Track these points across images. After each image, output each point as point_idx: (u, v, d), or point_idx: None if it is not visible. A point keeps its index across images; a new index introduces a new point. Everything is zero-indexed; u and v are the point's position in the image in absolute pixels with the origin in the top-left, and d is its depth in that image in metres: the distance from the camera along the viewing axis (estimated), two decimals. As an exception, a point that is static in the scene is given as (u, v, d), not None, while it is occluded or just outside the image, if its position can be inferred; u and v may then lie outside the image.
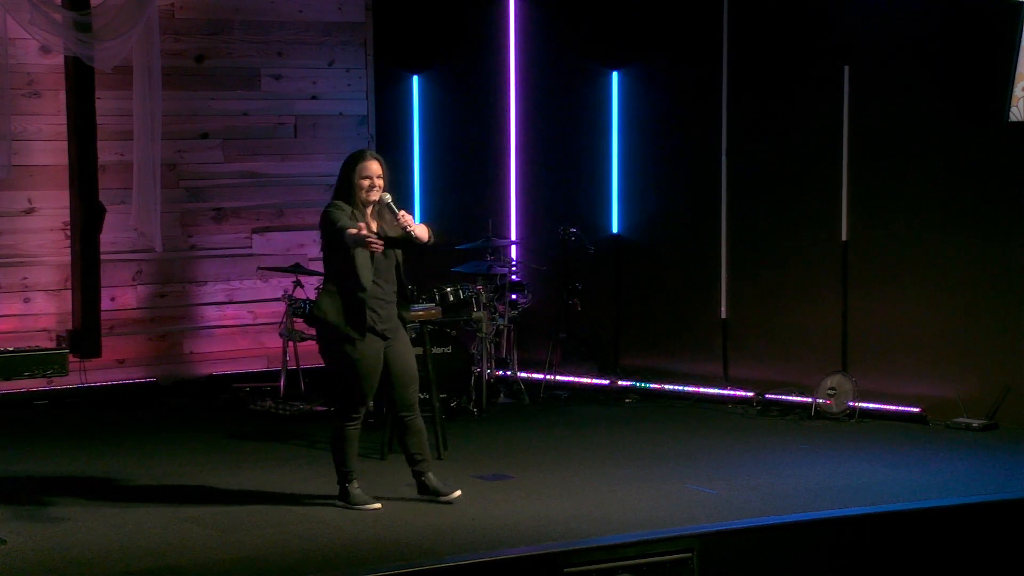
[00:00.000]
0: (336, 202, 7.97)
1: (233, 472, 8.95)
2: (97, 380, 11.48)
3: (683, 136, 11.63)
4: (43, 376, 10.52)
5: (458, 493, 8.16)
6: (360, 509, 8.02)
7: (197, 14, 11.90)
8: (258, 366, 12.15)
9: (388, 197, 7.98)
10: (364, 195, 7.93)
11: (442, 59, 12.64)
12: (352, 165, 8.01)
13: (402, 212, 7.92)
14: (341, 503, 8.10)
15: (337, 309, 7.93)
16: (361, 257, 7.85)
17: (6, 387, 10.76)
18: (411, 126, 12.79)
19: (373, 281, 7.90)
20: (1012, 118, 9.83)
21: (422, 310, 9.61)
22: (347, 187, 7.98)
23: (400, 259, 8.05)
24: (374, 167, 7.96)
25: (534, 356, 11.72)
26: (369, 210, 7.97)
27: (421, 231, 7.91)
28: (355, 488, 8.10)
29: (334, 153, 12.50)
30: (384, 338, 8.00)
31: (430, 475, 8.22)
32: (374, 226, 7.94)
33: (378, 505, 8.06)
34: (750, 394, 10.98)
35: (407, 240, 7.94)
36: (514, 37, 12.26)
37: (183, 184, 11.90)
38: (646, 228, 11.87)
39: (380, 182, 7.95)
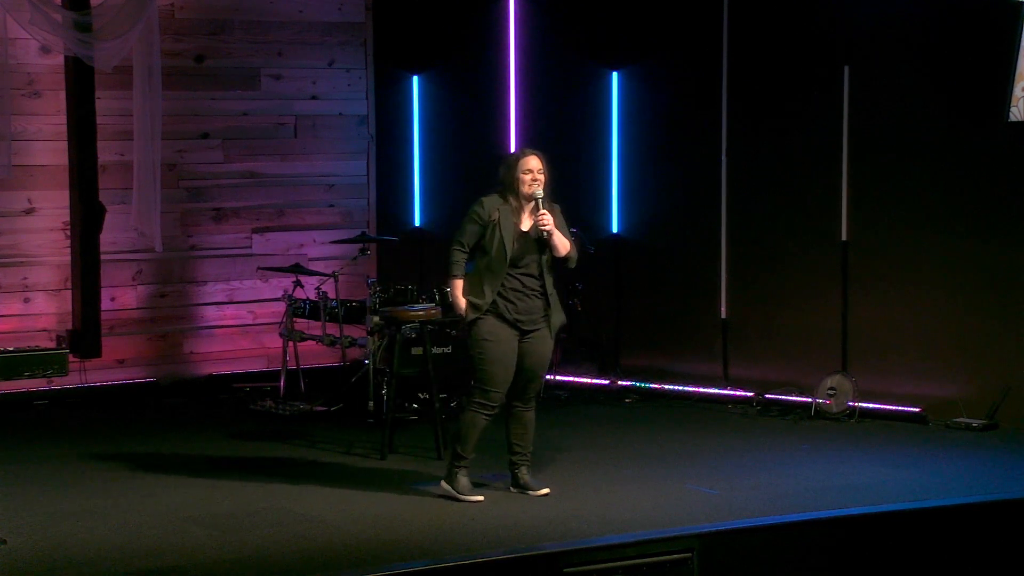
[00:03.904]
0: (482, 200, 8.21)
1: (233, 472, 8.95)
2: (97, 380, 11.48)
3: (683, 136, 11.63)
4: (43, 376, 10.55)
5: (546, 490, 8.26)
6: (462, 499, 8.11)
7: (197, 14, 11.91)
8: (258, 366, 12.15)
9: (539, 193, 8.13)
10: (525, 189, 8.11)
11: (442, 59, 12.64)
12: (515, 160, 8.20)
13: (543, 212, 8.09)
14: (444, 487, 8.17)
15: (477, 295, 8.12)
16: (497, 248, 8.07)
17: (6, 387, 10.76)
18: (411, 126, 12.79)
19: (509, 273, 8.08)
20: (1012, 118, 9.83)
21: (422, 310, 9.62)
22: (509, 181, 8.17)
23: (544, 258, 8.15)
24: (533, 162, 8.16)
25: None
26: (530, 205, 8.13)
27: (559, 242, 8.10)
28: (464, 477, 8.19)
29: (334, 153, 12.53)
30: (519, 330, 8.12)
31: (523, 469, 8.33)
32: (528, 222, 8.13)
33: (480, 497, 8.14)
34: (750, 394, 10.98)
35: (547, 242, 8.12)
36: (514, 37, 12.26)
37: (183, 184, 11.91)
38: (646, 228, 11.87)
39: (541, 176, 8.13)
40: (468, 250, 8.21)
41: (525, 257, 8.12)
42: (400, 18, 12.58)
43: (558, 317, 8.27)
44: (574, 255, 8.22)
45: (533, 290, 8.15)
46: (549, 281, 8.19)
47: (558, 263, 8.21)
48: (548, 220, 8.07)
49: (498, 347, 8.11)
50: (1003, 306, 10.09)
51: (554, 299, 8.22)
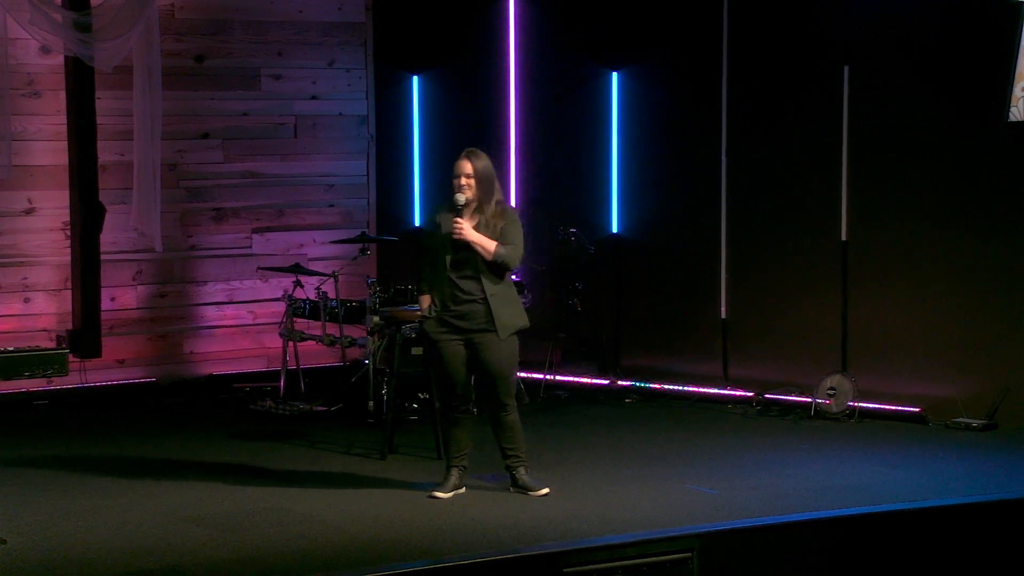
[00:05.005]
0: (439, 206, 8.28)
1: (233, 472, 8.95)
2: (97, 380, 11.48)
3: (683, 136, 11.63)
4: (43, 376, 10.55)
5: (546, 490, 8.25)
6: (429, 491, 8.21)
7: (197, 14, 11.91)
8: (258, 366, 12.16)
9: (460, 200, 8.08)
10: (456, 193, 8.08)
11: (442, 59, 12.64)
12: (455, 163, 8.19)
13: (456, 220, 8.03)
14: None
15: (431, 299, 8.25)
16: (441, 254, 8.09)
17: (6, 387, 10.77)
18: (411, 126, 12.79)
19: (450, 277, 8.08)
20: (1012, 118, 9.83)
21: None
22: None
23: (480, 259, 8.08)
24: (463, 166, 8.10)
25: (534, 356, 11.70)
26: (471, 207, 8.10)
27: (480, 249, 8.01)
28: (449, 475, 8.28)
29: (334, 153, 12.54)
30: (462, 333, 8.12)
31: (521, 470, 8.33)
32: (470, 223, 8.11)
33: (440, 495, 8.18)
34: (750, 394, 10.98)
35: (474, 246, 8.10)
36: (514, 37, 12.26)
37: (183, 184, 11.91)
38: (646, 228, 11.87)
39: (468, 181, 8.06)
40: (428, 259, 8.26)
41: (462, 261, 8.08)
42: (400, 18, 12.58)
43: (513, 320, 8.15)
44: (507, 257, 8.04)
45: (471, 294, 8.09)
46: (492, 284, 8.09)
47: (491, 266, 8.06)
48: (461, 228, 8.00)
49: (439, 349, 8.18)
50: (1003, 306, 10.09)
51: (501, 300, 8.10)
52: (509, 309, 8.15)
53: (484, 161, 8.12)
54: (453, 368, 8.19)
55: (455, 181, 8.08)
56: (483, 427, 10.32)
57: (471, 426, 8.36)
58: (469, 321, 8.11)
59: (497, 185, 8.17)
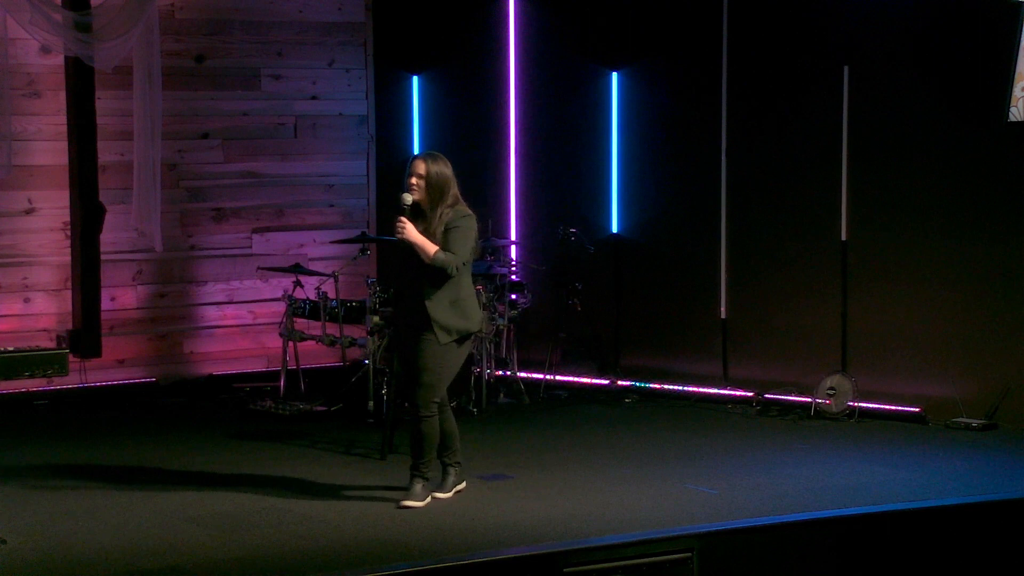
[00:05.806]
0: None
1: (233, 472, 8.95)
2: (97, 380, 11.48)
3: (683, 136, 11.63)
4: (43, 376, 10.50)
5: (414, 504, 8.05)
6: (429, 491, 8.15)
7: (197, 14, 11.91)
8: (258, 366, 12.16)
9: (407, 199, 8.06)
10: (404, 192, 8.09)
11: (442, 59, 12.65)
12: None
13: (399, 219, 8.01)
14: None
15: None
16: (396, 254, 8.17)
17: (6, 387, 10.76)
18: (411, 126, 12.79)
19: (404, 275, 8.13)
20: (1012, 118, 9.83)
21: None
22: None
23: (422, 262, 8.08)
24: (416, 165, 8.09)
25: (534, 356, 11.72)
26: (433, 211, 8.10)
27: (419, 251, 7.97)
28: (446, 475, 8.27)
29: (334, 153, 12.54)
30: (411, 330, 8.13)
31: (418, 481, 8.15)
32: (419, 224, 8.08)
33: (440, 495, 8.15)
34: (750, 394, 10.98)
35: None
36: (514, 37, 12.26)
37: (183, 184, 11.91)
38: (646, 228, 11.87)
39: (419, 182, 8.03)
40: None
41: (408, 260, 8.09)
42: (400, 18, 12.58)
43: (451, 323, 8.04)
44: (443, 263, 7.95)
45: (416, 292, 8.08)
46: (432, 286, 8.01)
47: (432, 269, 8.00)
48: (403, 227, 7.97)
49: (398, 346, 8.33)
50: (1003, 306, 10.09)
51: (440, 302, 8.02)
52: (450, 312, 8.05)
53: (440, 166, 8.06)
54: (403, 364, 8.27)
55: (407, 180, 8.07)
56: (481, 427, 10.33)
57: (451, 424, 8.30)
58: (409, 318, 8.13)
59: (453, 191, 8.07)
